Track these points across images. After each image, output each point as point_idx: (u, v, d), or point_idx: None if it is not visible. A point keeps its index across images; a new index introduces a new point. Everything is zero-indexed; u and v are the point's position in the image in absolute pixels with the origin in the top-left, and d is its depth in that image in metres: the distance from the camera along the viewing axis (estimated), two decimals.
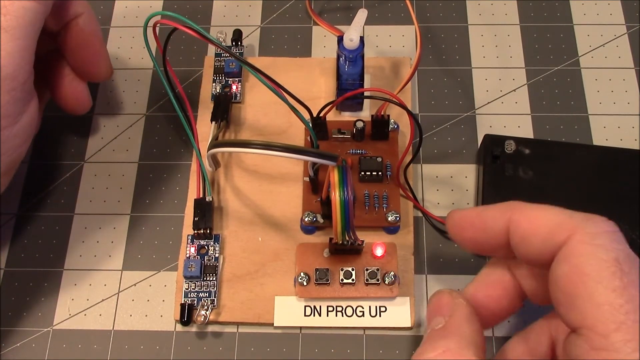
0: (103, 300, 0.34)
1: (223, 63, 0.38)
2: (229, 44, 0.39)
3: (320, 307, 0.33)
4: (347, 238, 0.30)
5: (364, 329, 0.33)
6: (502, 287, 0.27)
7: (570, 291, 0.22)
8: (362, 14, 0.35)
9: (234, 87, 0.38)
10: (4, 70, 0.27)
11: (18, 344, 0.33)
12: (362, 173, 0.34)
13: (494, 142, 0.34)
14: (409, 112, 0.31)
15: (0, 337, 0.33)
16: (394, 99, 0.32)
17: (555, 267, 0.22)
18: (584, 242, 0.22)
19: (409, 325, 0.32)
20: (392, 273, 0.32)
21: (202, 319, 0.32)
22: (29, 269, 0.35)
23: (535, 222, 0.24)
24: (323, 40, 0.40)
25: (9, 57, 0.27)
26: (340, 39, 0.35)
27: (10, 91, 0.28)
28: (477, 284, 0.28)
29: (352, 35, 0.34)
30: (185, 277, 0.33)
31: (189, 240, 0.34)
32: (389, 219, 0.33)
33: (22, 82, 0.28)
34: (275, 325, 0.32)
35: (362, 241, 0.31)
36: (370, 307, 0.33)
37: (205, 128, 0.36)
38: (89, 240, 0.35)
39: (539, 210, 0.24)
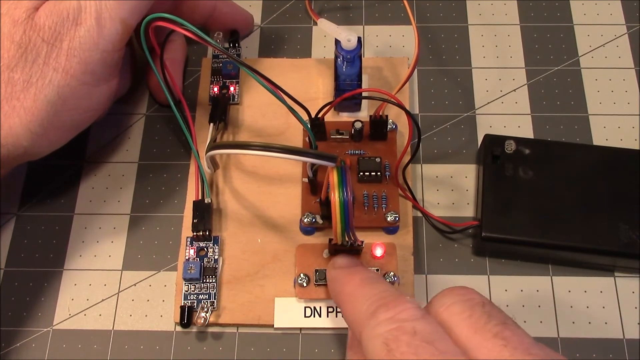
0: (103, 300, 0.34)
1: (221, 64, 0.38)
2: (226, 45, 0.39)
3: (320, 308, 0.33)
4: (346, 239, 0.29)
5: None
6: None
7: None
8: (324, 24, 0.36)
9: (231, 88, 0.38)
10: (106, 31, 0.30)
11: (18, 344, 0.33)
12: (361, 173, 0.34)
13: (494, 142, 0.34)
14: (407, 112, 0.31)
15: (0, 337, 0.33)
16: (392, 99, 0.32)
17: None
18: (366, 339, 0.23)
19: None
20: (391, 273, 0.32)
21: (202, 321, 0.32)
22: (29, 269, 0.35)
23: (345, 317, 0.27)
24: (323, 40, 0.40)
25: (112, 21, 0.30)
26: (337, 40, 0.35)
27: (103, 52, 0.30)
28: None
29: (349, 36, 0.34)
30: (185, 279, 0.33)
31: (188, 242, 0.34)
32: (388, 219, 0.33)
33: (115, 50, 0.31)
34: (275, 326, 0.32)
35: (362, 242, 0.31)
36: None
37: (203, 130, 0.36)
38: (89, 240, 0.35)
39: (347, 302, 0.26)
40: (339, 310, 0.33)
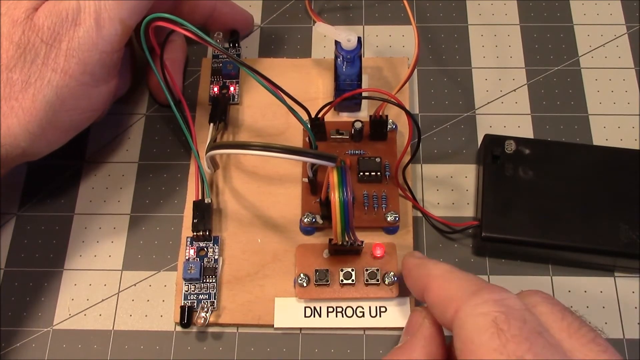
0: (103, 300, 0.34)
1: (221, 64, 0.38)
2: (226, 45, 0.39)
3: (320, 308, 0.33)
4: (346, 239, 0.30)
5: (364, 329, 0.33)
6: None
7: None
8: (321, 27, 0.36)
9: (231, 88, 0.38)
10: (105, 32, 0.30)
11: (18, 344, 0.33)
12: (361, 173, 0.34)
13: (494, 142, 0.34)
14: (407, 112, 0.31)
15: (0, 337, 0.33)
16: (392, 99, 0.32)
17: (453, 341, 0.24)
18: (467, 314, 0.23)
19: None
20: (391, 273, 0.32)
21: (202, 321, 0.32)
22: (29, 269, 0.35)
23: (434, 295, 0.26)
24: (323, 40, 0.40)
25: (111, 21, 0.30)
26: (337, 40, 0.35)
27: (102, 53, 0.30)
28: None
29: (349, 36, 0.34)
30: (185, 279, 0.33)
31: (188, 242, 0.34)
32: (388, 219, 0.33)
33: (114, 50, 0.31)
34: (275, 326, 0.32)
35: (362, 242, 0.31)
36: (370, 307, 0.33)
37: (203, 130, 0.36)
38: (89, 240, 0.35)
39: (439, 281, 0.26)
40: (339, 309, 0.33)
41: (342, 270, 0.32)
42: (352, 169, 0.34)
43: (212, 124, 0.36)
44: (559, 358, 0.21)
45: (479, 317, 0.22)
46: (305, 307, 0.33)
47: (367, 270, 0.32)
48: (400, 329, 0.32)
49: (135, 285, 0.34)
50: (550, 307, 0.24)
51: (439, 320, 0.25)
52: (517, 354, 0.21)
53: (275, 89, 0.30)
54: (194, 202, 0.34)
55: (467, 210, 0.35)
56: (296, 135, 0.37)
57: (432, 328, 0.26)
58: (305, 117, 0.32)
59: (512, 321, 0.22)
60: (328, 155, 0.28)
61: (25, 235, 0.35)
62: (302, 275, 0.32)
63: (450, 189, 0.36)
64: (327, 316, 0.32)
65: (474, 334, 0.22)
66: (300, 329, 0.33)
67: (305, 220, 0.33)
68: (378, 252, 0.33)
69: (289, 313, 0.33)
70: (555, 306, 0.24)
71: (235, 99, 0.38)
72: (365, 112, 0.37)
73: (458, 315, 0.23)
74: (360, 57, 0.36)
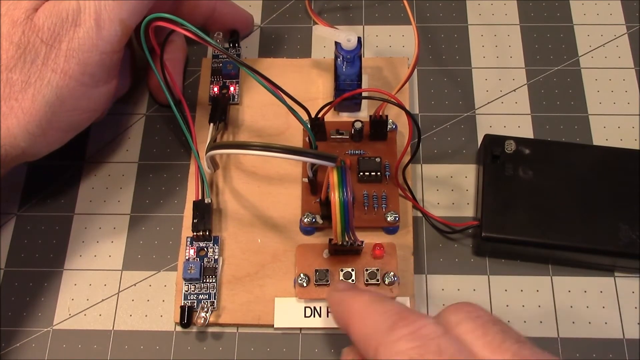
0: (103, 300, 0.34)
1: (221, 64, 0.38)
2: (226, 45, 0.39)
3: (320, 308, 0.33)
4: (346, 239, 0.30)
5: None
6: None
7: None
8: (320, 30, 0.36)
9: (231, 88, 0.38)
10: (105, 32, 0.30)
11: (18, 344, 0.33)
12: (361, 173, 0.34)
13: (494, 142, 0.34)
14: (407, 112, 0.31)
15: (0, 337, 0.33)
16: (392, 99, 0.32)
17: None
18: (384, 354, 0.22)
19: None
20: (391, 273, 0.32)
21: (202, 321, 0.32)
22: (29, 269, 0.35)
23: (354, 334, 0.25)
24: (323, 40, 0.40)
25: (111, 22, 0.30)
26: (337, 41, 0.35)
27: (102, 53, 0.30)
28: None
29: (348, 36, 0.34)
30: (185, 279, 0.33)
31: (188, 242, 0.34)
32: (388, 219, 0.33)
33: (114, 51, 0.31)
34: (275, 326, 0.32)
35: (362, 242, 0.31)
36: None
37: (203, 130, 0.36)
38: (89, 240, 0.35)
39: (358, 318, 0.25)
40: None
41: (342, 270, 0.32)
42: (352, 169, 0.34)
43: (212, 124, 0.36)
44: None
45: (395, 357, 0.22)
46: (305, 307, 0.33)
47: (367, 270, 0.32)
48: None
49: (135, 285, 0.34)
50: (472, 324, 0.23)
51: (365, 357, 0.25)
52: None
53: (275, 89, 0.30)
54: (194, 202, 0.34)
55: (467, 210, 0.35)
56: (296, 135, 0.37)
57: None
58: (305, 117, 0.32)
59: (427, 356, 0.21)
60: (328, 155, 0.28)
61: (25, 235, 0.35)
62: (302, 275, 0.32)
63: (450, 189, 0.36)
64: (327, 316, 0.32)
65: None
66: (300, 329, 0.33)
67: (305, 220, 0.33)
68: (378, 252, 0.33)
69: (289, 313, 0.33)
70: (478, 320, 0.23)
71: (235, 99, 0.38)
72: (365, 112, 0.37)
73: (377, 355, 0.23)
74: (360, 57, 0.36)
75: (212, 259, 0.33)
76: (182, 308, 0.32)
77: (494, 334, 0.23)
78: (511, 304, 0.33)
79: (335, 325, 0.32)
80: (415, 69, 0.36)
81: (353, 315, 0.25)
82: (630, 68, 0.39)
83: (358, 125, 0.34)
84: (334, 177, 0.28)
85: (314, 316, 0.32)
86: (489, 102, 0.38)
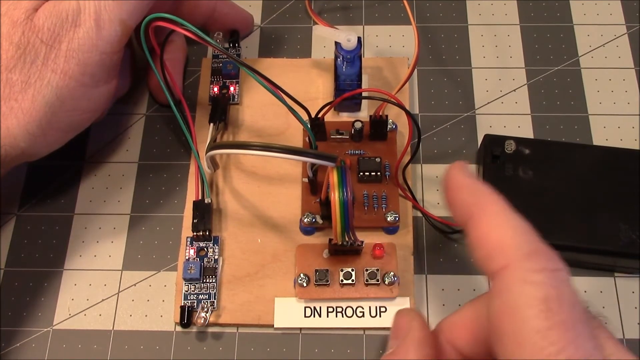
0: (103, 300, 0.34)
1: (221, 64, 0.38)
2: (226, 45, 0.39)
3: (320, 308, 0.33)
4: (346, 239, 0.30)
5: (364, 329, 0.33)
6: (473, 332, 0.25)
7: (499, 327, 0.21)
8: (319, 30, 0.36)
9: (231, 88, 0.38)
10: (105, 33, 0.30)
11: (18, 344, 0.33)
12: (361, 173, 0.34)
13: (494, 142, 0.34)
14: (407, 112, 0.31)
15: (0, 337, 0.33)
16: (392, 99, 0.32)
17: (490, 300, 0.22)
18: (517, 278, 0.21)
19: None
20: (391, 273, 0.32)
21: (202, 321, 0.32)
22: (29, 269, 0.35)
23: (481, 235, 0.23)
24: (323, 40, 0.40)
25: (111, 22, 0.30)
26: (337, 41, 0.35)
27: (102, 54, 0.30)
28: (455, 319, 0.26)
29: (348, 36, 0.34)
30: (185, 279, 0.33)
31: (188, 242, 0.34)
32: (388, 219, 0.33)
33: (114, 51, 0.31)
34: (275, 326, 0.32)
35: (362, 242, 0.31)
36: (370, 307, 0.33)
37: (203, 130, 0.36)
38: (89, 240, 0.35)
39: (491, 220, 0.23)
40: (339, 309, 0.33)
41: (342, 270, 0.32)
42: (352, 169, 0.34)
43: (212, 124, 0.36)
44: (598, 358, 0.20)
45: (530, 287, 0.21)
46: (305, 307, 0.33)
47: (367, 270, 0.32)
48: None
49: (135, 285, 0.34)
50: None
51: (478, 260, 0.23)
52: (560, 344, 0.20)
53: (275, 89, 0.30)
54: (194, 202, 0.34)
55: None
56: (296, 135, 0.37)
57: (422, 331, 0.25)
58: (305, 117, 0.32)
59: (563, 303, 0.20)
60: (328, 155, 0.28)
61: (25, 235, 0.35)
62: (302, 275, 0.32)
63: None
64: (327, 316, 0.32)
65: (521, 304, 0.20)
66: (300, 329, 0.33)
67: (305, 220, 0.33)
68: (378, 252, 0.33)
69: (289, 313, 0.33)
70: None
71: (235, 99, 0.38)
72: (365, 112, 0.37)
73: (505, 274, 0.21)
74: (360, 57, 0.36)
75: (212, 259, 0.33)
76: (182, 308, 0.32)
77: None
78: None
79: (335, 325, 0.32)
80: (415, 69, 0.36)
81: (486, 214, 0.23)
82: (630, 68, 0.39)
83: (358, 125, 0.34)
84: (334, 177, 0.28)
85: (314, 316, 0.32)
86: (489, 102, 0.38)
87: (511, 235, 0.22)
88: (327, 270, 0.32)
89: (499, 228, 0.23)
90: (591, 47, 0.39)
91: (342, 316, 0.32)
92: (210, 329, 0.33)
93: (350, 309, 0.33)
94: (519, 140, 0.34)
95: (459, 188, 0.25)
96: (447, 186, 0.25)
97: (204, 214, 0.34)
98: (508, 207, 0.23)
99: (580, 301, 0.21)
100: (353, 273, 0.32)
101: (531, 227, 0.23)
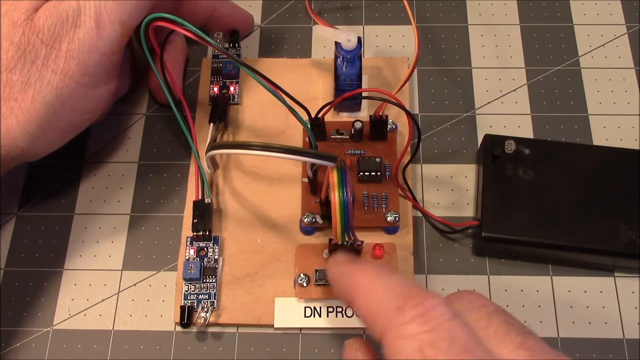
0: (103, 300, 0.34)
1: (221, 64, 0.38)
2: (226, 45, 0.39)
3: (320, 308, 0.33)
4: (346, 239, 0.30)
5: (364, 329, 0.33)
6: None
7: None
8: (319, 30, 0.36)
9: (231, 88, 0.38)
10: (105, 33, 0.30)
11: (18, 344, 0.33)
12: (361, 173, 0.34)
13: (494, 142, 0.34)
14: (407, 112, 0.31)
15: (0, 337, 0.33)
16: (392, 99, 0.32)
17: None
18: (393, 337, 0.22)
19: None
20: None
21: (202, 321, 0.32)
22: (29, 269, 0.35)
23: (360, 310, 0.24)
24: (323, 40, 0.40)
25: (111, 23, 0.30)
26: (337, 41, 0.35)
27: (102, 54, 0.30)
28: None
29: (348, 36, 0.34)
30: (185, 279, 0.33)
31: (188, 242, 0.34)
32: (388, 219, 0.33)
33: (114, 52, 0.31)
34: (275, 326, 0.32)
35: (362, 241, 0.31)
36: None
37: (203, 130, 0.36)
38: (89, 240, 0.35)
39: (364, 294, 0.24)
40: (339, 309, 0.33)
41: None
42: (352, 169, 0.34)
43: (212, 124, 0.36)
44: None
45: (404, 342, 0.21)
46: (305, 307, 0.33)
47: None
48: None
49: (135, 285, 0.34)
50: (476, 314, 0.23)
51: (372, 335, 0.24)
52: None
53: (275, 89, 0.30)
54: (194, 202, 0.34)
55: (467, 210, 0.35)
56: (296, 135, 0.37)
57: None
58: (305, 117, 0.32)
59: (438, 344, 0.21)
60: (328, 155, 0.28)
61: (25, 235, 0.35)
62: (302, 275, 0.32)
63: (450, 189, 0.36)
64: (327, 316, 0.32)
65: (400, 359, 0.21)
66: (300, 329, 0.33)
67: (305, 220, 0.33)
68: (378, 252, 0.33)
69: (289, 313, 0.33)
70: (482, 310, 0.23)
71: (235, 99, 0.38)
72: (365, 112, 0.37)
73: (385, 337, 0.22)
74: (360, 57, 0.36)
75: (212, 259, 0.33)
76: (182, 308, 0.32)
77: (499, 324, 0.22)
78: (511, 304, 0.33)
79: (335, 325, 0.32)
80: (415, 69, 0.36)
81: (358, 290, 0.24)
82: (630, 68, 0.39)
83: (358, 125, 0.34)
84: (334, 177, 0.28)
85: (314, 316, 0.32)
86: (489, 102, 0.38)
87: (381, 299, 0.23)
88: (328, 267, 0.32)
89: (370, 297, 0.24)
90: (591, 47, 0.39)
91: (342, 316, 0.32)
92: (210, 329, 0.33)
93: (350, 309, 0.33)
94: (519, 140, 0.34)
95: (335, 279, 0.27)
96: (329, 280, 0.28)
97: (204, 214, 0.34)
98: (376, 273, 0.24)
99: (462, 329, 0.21)
100: None
101: (398, 281, 0.23)
